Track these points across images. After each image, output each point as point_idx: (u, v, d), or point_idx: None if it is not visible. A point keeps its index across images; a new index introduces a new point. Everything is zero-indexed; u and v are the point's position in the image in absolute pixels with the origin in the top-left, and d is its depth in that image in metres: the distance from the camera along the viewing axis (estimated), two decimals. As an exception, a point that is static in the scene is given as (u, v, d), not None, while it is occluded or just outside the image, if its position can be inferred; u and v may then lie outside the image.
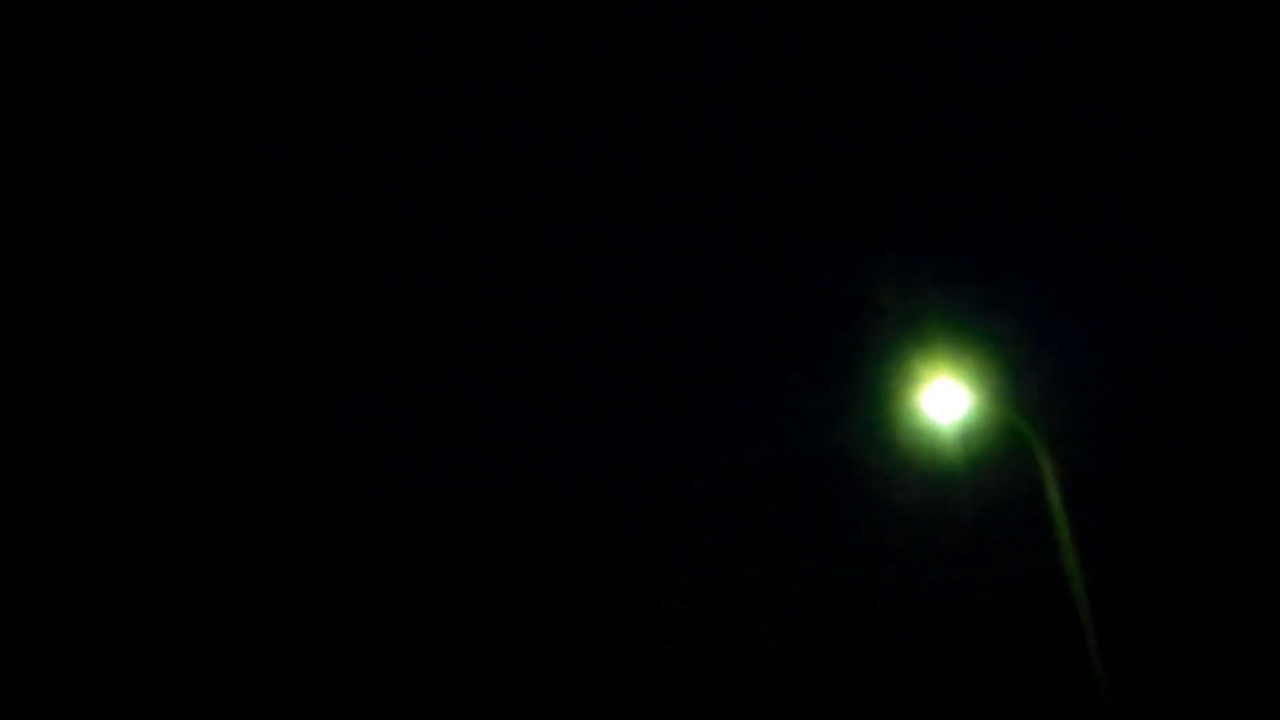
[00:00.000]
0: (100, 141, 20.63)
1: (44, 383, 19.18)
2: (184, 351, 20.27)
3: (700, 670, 19.45)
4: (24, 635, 17.62)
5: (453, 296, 22.89)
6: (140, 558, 18.67)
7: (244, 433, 20.14)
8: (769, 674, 19.13)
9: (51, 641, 17.80)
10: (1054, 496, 9.56)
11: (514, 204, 22.92)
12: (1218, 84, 17.26)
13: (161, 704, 17.86)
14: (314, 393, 21.18)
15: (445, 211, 23.37)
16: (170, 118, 21.59)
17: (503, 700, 18.61)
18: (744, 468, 20.76)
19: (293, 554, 19.28)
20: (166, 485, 19.30)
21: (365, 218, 22.80)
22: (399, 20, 22.36)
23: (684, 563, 20.08)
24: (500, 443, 21.66)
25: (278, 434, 20.31)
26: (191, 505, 19.28)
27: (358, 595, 19.22)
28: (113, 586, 18.40)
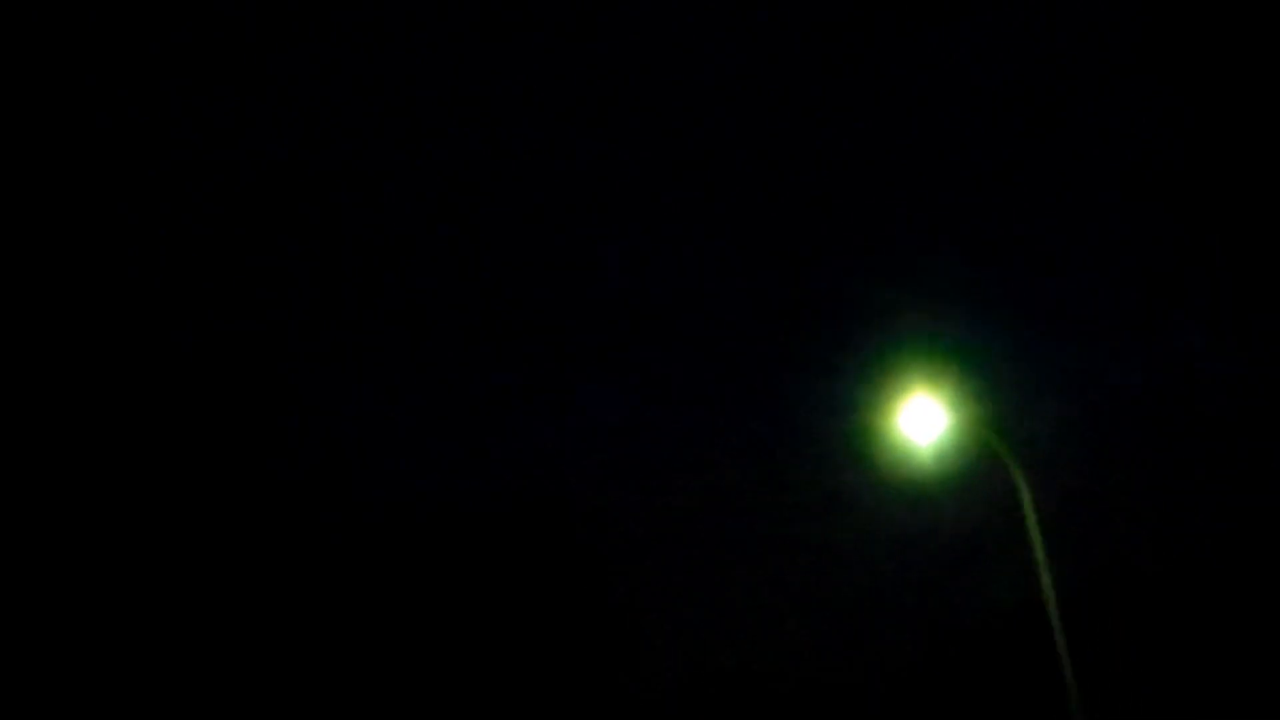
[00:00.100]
0: (100, 141, 20.64)
1: (44, 383, 19.18)
2: (184, 351, 20.27)
3: (678, 684, 19.49)
4: (24, 635, 17.62)
5: (453, 296, 22.89)
6: (140, 558, 18.67)
7: (244, 433, 20.14)
8: (747, 690, 19.14)
9: (52, 641, 17.80)
10: (1030, 514, 9.57)
11: (514, 204, 22.92)
12: (1218, 84, 17.23)
13: (162, 704, 17.86)
14: (314, 393, 21.18)
15: (445, 211, 23.37)
16: (170, 118, 21.60)
17: (495, 698, 18.63)
18: (722, 483, 20.72)
19: (292, 554, 19.28)
20: (166, 485, 19.30)
21: (365, 218, 22.81)
22: (399, 20, 22.36)
23: (662, 577, 20.09)
24: (493, 444, 21.65)
25: (278, 434, 20.31)
26: (191, 505, 19.27)
27: (357, 595, 19.21)
28: (113, 586, 18.40)
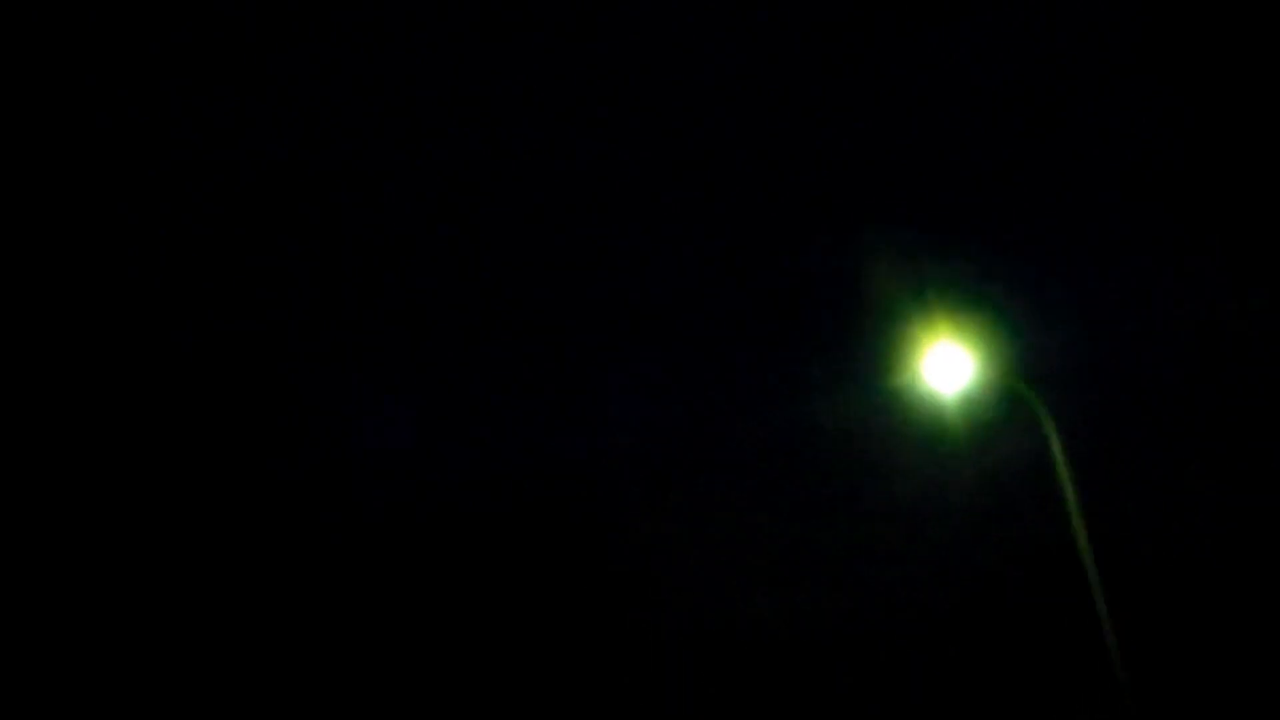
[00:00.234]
0: (100, 141, 20.63)
1: (44, 383, 19.17)
2: (184, 351, 20.26)
3: (699, 639, 19.34)
4: (24, 635, 17.61)
5: (454, 296, 22.88)
6: (140, 558, 18.66)
7: (245, 433, 20.13)
8: (769, 643, 19.04)
9: (52, 641, 17.78)
10: (1060, 461, 9.53)
11: (515, 203, 22.92)
12: (1218, 84, 17.28)
13: (162, 704, 17.85)
14: (315, 393, 21.18)
15: (445, 211, 23.36)
16: (170, 118, 21.58)
17: (501, 693, 18.61)
18: (744, 435, 20.66)
19: (292, 554, 19.27)
20: (166, 485, 19.29)
21: (365, 218, 22.80)
22: (399, 20, 22.36)
23: (683, 530, 19.95)
24: (493, 445, 21.63)
25: (278, 434, 20.31)
26: (192, 505, 19.27)
27: (357, 595, 19.20)
28: (113, 586, 18.38)
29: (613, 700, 18.72)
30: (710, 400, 22.43)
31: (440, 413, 22.37)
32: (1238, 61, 17.14)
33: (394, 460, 20.94)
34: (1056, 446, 9.55)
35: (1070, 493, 9.43)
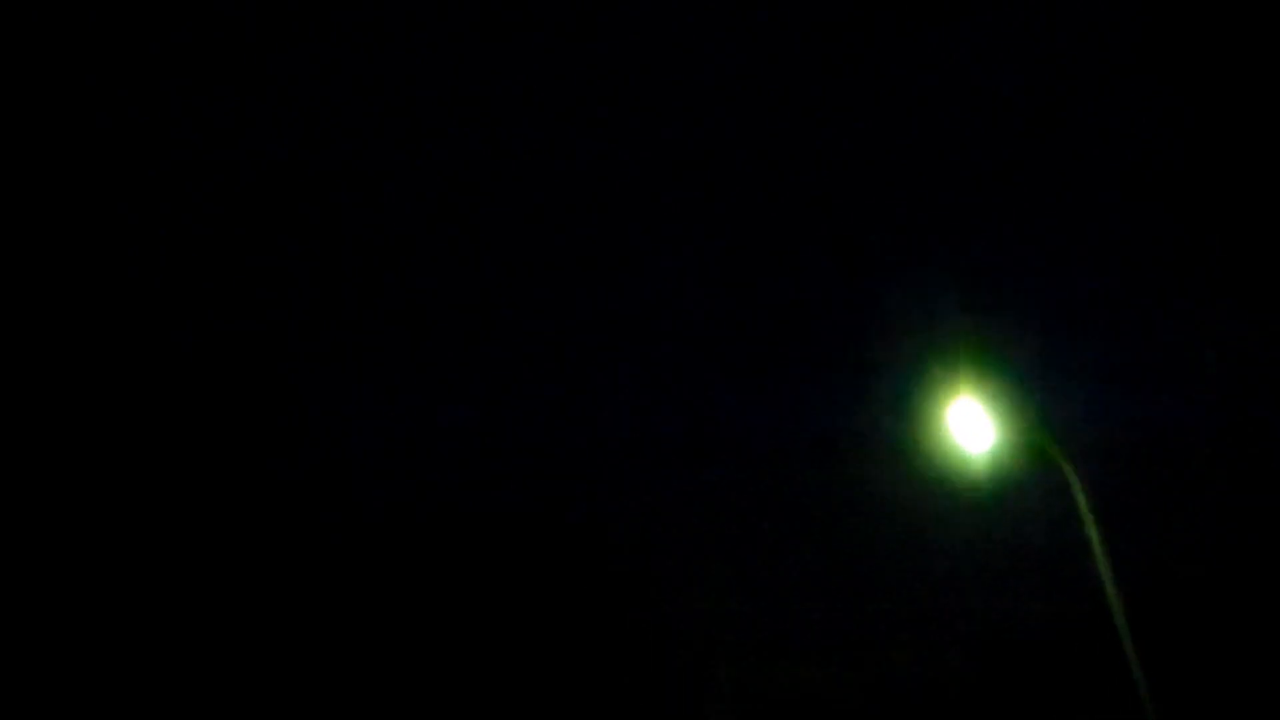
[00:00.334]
0: (100, 141, 20.63)
1: (44, 383, 19.17)
2: (184, 351, 20.26)
3: (699, 639, 19.22)
4: (24, 635, 17.60)
5: (454, 296, 22.89)
6: (140, 558, 18.65)
7: (244, 433, 20.13)
8: (770, 643, 18.90)
9: (51, 642, 17.77)
10: (1086, 517, 9.44)
11: (515, 204, 22.92)
12: (1218, 84, 17.26)
13: (162, 704, 17.84)
14: (315, 393, 21.18)
15: (445, 211, 23.37)
16: (170, 118, 21.60)
17: (501, 693, 18.60)
18: (762, 489, 20.40)
19: (292, 554, 19.26)
20: (166, 485, 19.29)
21: (365, 217, 22.81)
22: (399, 20, 22.37)
23: (682, 531, 19.84)
24: (495, 444, 21.62)
25: (278, 434, 20.31)
26: (191, 505, 19.26)
27: (357, 595, 19.20)
28: (113, 586, 18.38)
29: (612, 700, 18.69)
30: (710, 400, 22.38)
31: (440, 413, 22.37)
32: (1238, 62, 17.13)
33: (394, 460, 20.93)
34: (1082, 502, 9.47)
35: (1098, 547, 9.35)
